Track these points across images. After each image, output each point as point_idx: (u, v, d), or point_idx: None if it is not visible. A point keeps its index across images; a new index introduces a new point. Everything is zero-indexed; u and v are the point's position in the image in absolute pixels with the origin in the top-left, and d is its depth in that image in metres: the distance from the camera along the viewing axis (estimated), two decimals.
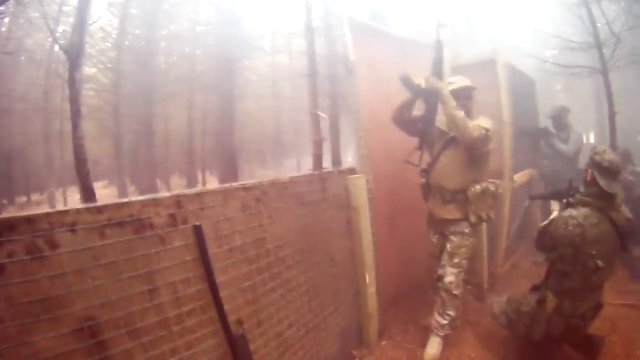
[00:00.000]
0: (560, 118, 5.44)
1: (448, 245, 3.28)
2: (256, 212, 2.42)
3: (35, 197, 16.71)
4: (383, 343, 3.52)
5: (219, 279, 2.15)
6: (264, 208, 2.47)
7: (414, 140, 3.41)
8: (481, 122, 3.03)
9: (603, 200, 2.73)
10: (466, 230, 3.23)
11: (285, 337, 2.64)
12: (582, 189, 2.93)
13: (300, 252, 2.78)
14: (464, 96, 3.20)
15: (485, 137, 3.00)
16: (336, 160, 8.67)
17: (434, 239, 3.51)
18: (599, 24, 5.80)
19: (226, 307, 2.16)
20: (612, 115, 5.56)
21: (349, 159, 15.69)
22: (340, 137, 9.13)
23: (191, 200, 2.05)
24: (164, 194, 1.96)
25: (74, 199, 14.66)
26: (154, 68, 14.95)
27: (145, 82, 14.13)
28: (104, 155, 15.90)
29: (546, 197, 3.34)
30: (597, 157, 2.77)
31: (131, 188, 15.90)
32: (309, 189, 2.87)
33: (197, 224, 2.03)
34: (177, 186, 17.75)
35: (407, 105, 3.28)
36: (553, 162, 5.37)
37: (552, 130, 5.49)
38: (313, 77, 5.79)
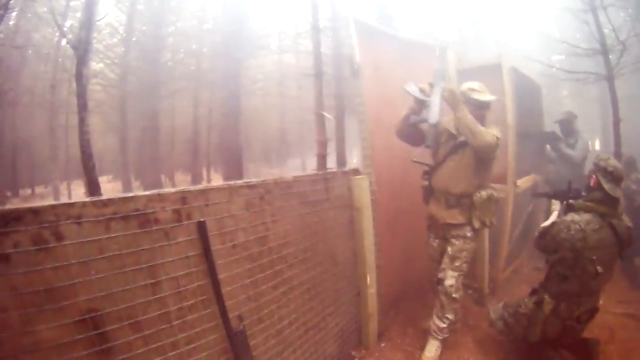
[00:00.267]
0: (568, 123, 5.43)
1: (449, 249, 3.26)
2: (260, 210, 2.43)
3: (39, 189, 16.70)
4: (382, 345, 3.52)
5: (222, 275, 2.16)
6: (268, 206, 2.48)
7: None
8: (493, 130, 3.06)
9: (606, 206, 2.76)
10: (468, 234, 3.22)
11: (285, 335, 2.65)
12: (584, 194, 2.97)
13: (303, 251, 2.79)
14: (486, 107, 3.21)
15: (496, 144, 3.03)
16: (341, 161, 8.64)
17: (435, 243, 3.49)
18: (605, 30, 5.77)
19: (227, 303, 2.18)
20: (617, 122, 5.53)
21: (354, 160, 15.65)
22: (346, 138, 9.10)
23: (196, 196, 2.06)
24: (169, 189, 1.97)
25: (78, 193, 14.70)
26: (160, 64, 14.92)
27: (151, 78, 14.11)
28: (109, 150, 15.99)
29: (549, 196, 3.33)
30: (602, 163, 2.82)
31: (135, 183, 15.87)
32: (313, 189, 2.87)
33: (201, 220, 2.04)
34: (182, 182, 17.75)
35: (416, 110, 3.26)
36: (559, 167, 5.35)
37: (560, 135, 5.47)
38: (319, 77, 5.78)
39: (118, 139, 14.71)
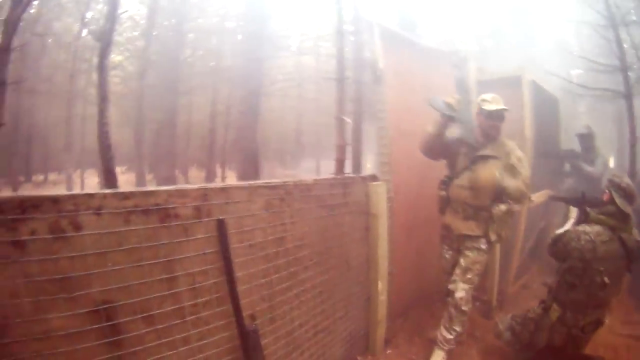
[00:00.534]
0: (589, 138, 5.23)
1: (462, 261, 3.10)
2: (279, 211, 2.31)
3: (52, 176, 16.36)
4: (388, 351, 3.38)
5: (237, 273, 2.05)
6: (287, 208, 2.37)
7: None
8: (521, 182, 2.97)
9: (616, 220, 2.74)
10: (483, 247, 3.06)
11: (295, 336, 2.53)
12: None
13: (318, 254, 2.67)
14: (498, 117, 3.02)
15: (527, 190, 3.02)
16: (357, 166, 8.45)
17: (447, 254, 3.32)
18: (625, 46, 5.54)
19: (241, 301, 2.06)
20: (633, 141, 5.29)
21: (368, 165, 15.34)
22: (361, 143, 8.88)
23: (217, 194, 1.95)
24: (191, 185, 1.86)
25: (91, 182, 14.41)
26: (180, 60, 14.49)
27: (170, 73, 13.70)
28: (124, 141, 15.49)
29: (566, 201, 3.20)
30: (616, 179, 2.82)
31: (149, 176, 15.44)
32: (331, 193, 2.75)
33: (221, 217, 1.93)
34: (195, 178, 17.41)
35: (440, 133, 3.08)
36: (576, 183, 5.13)
37: (578, 151, 5.27)
38: (341, 81, 5.63)
39: (134, 131, 14.25)
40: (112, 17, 5.54)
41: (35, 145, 14.90)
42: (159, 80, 13.40)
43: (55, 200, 1.46)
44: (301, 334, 2.58)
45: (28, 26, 11.19)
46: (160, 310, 1.79)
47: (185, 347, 1.88)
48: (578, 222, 2.94)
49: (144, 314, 1.74)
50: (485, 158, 3.03)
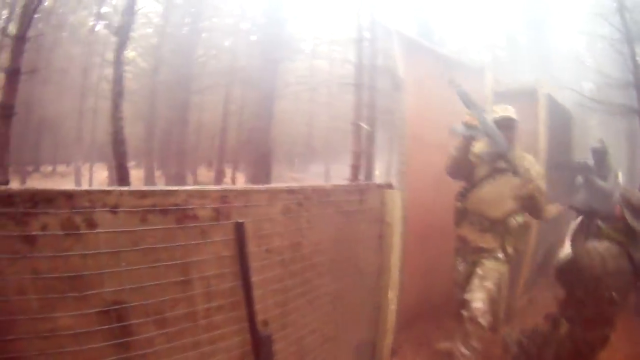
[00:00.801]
0: (603, 153, 5.02)
1: (479, 269, 2.90)
2: (296, 216, 2.15)
3: (61, 168, 15.65)
4: None
5: (253, 278, 1.88)
6: (305, 213, 2.20)
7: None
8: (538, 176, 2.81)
9: (625, 236, 2.62)
10: (499, 255, 2.89)
11: (305, 343, 2.36)
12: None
13: (332, 261, 2.50)
14: (504, 126, 2.84)
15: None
16: (369, 173, 8.18)
17: (461, 266, 3.12)
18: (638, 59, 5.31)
19: (255, 306, 1.89)
20: None
21: (376, 172, 14.89)
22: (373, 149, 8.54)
23: (237, 196, 1.79)
24: (211, 186, 1.71)
25: (100, 176, 13.91)
26: (193, 58, 13.86)
27: (183, 71, 13.11)
28: (134, 137, 14.25)
29: (579, 211, 3.05)
30: (627, 194, 2.72)
31: (158, 173, 14.72)
32: (348, 200, 2.58)
33: (240, 221, 1.77)
34: (204, 178, 16.49)
35: (465, 155, 2.91)
36: (587, 198, 4.91)
37: (591, 165, 5.06)
38: (359, 88, 5.45)
39: (145, 127, 13.63)
40: (130, 11, 5.38)
41: (45, 136, 14.43)
42: (171, 78, 12.91)
43: (69, 195, 1.31)
44: (311, 341, 2.41)
45: (43, 18, 10.92)
46: (173, 313, 1.63)
47: (195, 352, 1.73)
48: (584, 235, 2.94)
49: (156, 317, 1.59)
50: (502, 170, 2.86)
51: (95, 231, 1.36)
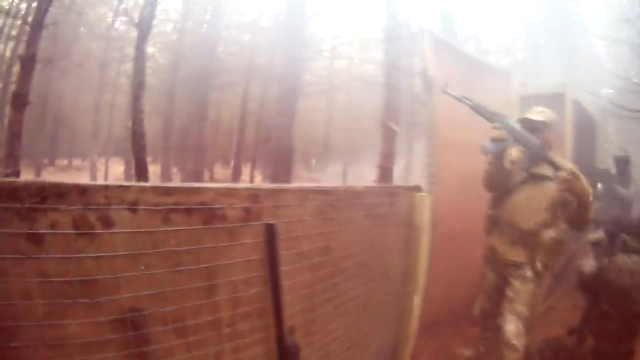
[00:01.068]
0: (626, 162, 4.65)
1: (508, 291, 2.55)
2: (328, 218, 1.88)
3: (76, 162, 14.75)
4: None
5: (282, 284, 1.62)
6: (337, 215, 1.93)
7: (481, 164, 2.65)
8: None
9: None
10: (528, 274, 2.49)
11: (329, 350, 2.09)
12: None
13: (360, 266, 2.23)
14: (531, 128, 2.46)
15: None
16: (388, 175, 7.78)
17: (490, 275, 2.76)
18: None
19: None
20: None
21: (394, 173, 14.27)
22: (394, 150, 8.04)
23: (268, 196, 1.53)
24: (240, 184, 1.44)
25: (115, 171, 13.13)
26: (213, 55, 12.98)
27: (203, 68, 12.30)
28: (152, 132, 13.53)
29: (605, 225, 2.76)
30: None
31: (174, 169, 13.87)
32: (379, 202, 2.31)
33: (272, 222, 1.50)
34: (221, 175, 15.54)
35: (499, 168, 2.49)
36: (608, 206, 4.54)
37: (613, 172, 4.69)
38: (390, 88, 5.10)
39: (163, 123, 12.81)
40: (151, 2, 5.06)
41: (62, 129, 13.70)
42: (190, 74, 12.24)
43: (83, 190, 1.07)
44: (335, 348, 2.14)
45: (62, 13, 10.36)
46: (195, 321, 1.38)
47: None
48: (610, 249, 2.69)
49: (176, 325, 1.34)
50: (539, 178, 2.50)
51: (111, 231, 1.12)
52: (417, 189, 2.74)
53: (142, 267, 1.20)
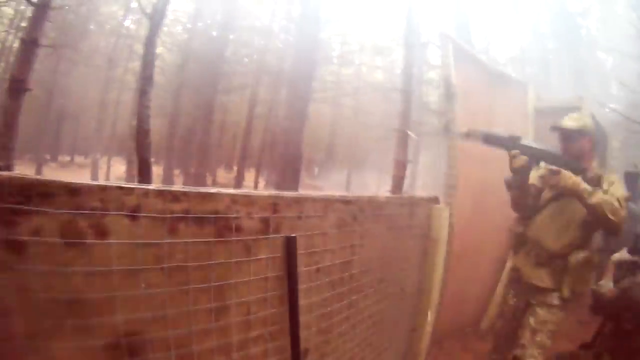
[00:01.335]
0: (637, 178, 4.37)
1: (531, 320, 2.16)
2: (350, 231, 1.62)
3: (79, 159, 14.38)
4: None
5: (300, 302, 1.37)
6: (359, 227, 1.67)
7: (496, 175, 2.33)
8: (618, 192, 1.93)
9: None
10: (555, 302, 2.11)
11: None
12: None
13: (378, 281, 1.97)
14: (562, 136, 2.11)
15: (621, 214, 1.87)
16: (398, 185, 7.44)
17: (512, 300, 2.34)
18: None
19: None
20: None
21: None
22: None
23: (289, 205, 1.28)
24: (259, 192, 1.20)
25: (118, 170, 12.58)
26: (222, 57, 12.41)
27: (211, 69, 11.76)
28: (155, 133, 13.25)
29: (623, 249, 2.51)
30: None
31: (176, 171, 13.38)
32: (400, 214, 2.06)
33: (292, 235, 1.25)
34: (223, 179, 14.98)
35: (525, 184, 2.16)
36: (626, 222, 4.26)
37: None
38: (407, 94, 4.79)
39: (167, 123, 12.24)
40: None
41: (66, 125, 13.24)
42: (198, 76, 11.69)
43: (75, 190, 0.82)
44: None
45: (73, 9, 10.15)
46: (202, 347, 1.13)
47: None
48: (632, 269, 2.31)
49: (181, 351, 1.09)
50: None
51: (106, 241, 0.87)
52: (436, 200, 2.49)
53: (143, 286, 0.95)
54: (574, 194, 1.91)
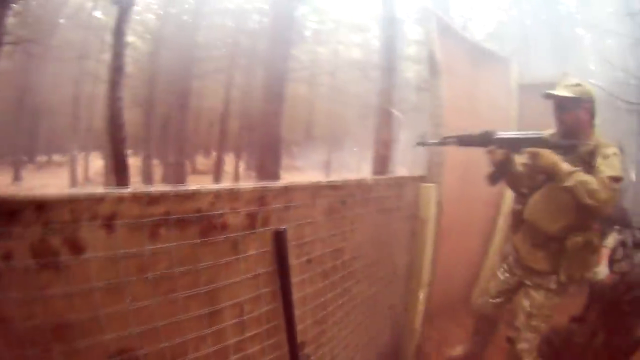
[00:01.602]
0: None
1: (527, 303, 2.10)
2: (340, 217, 1.60)
3: (56, 157, 13.83)
4: None
5: (293, 296, 1.35)
6: (349, 213, 1.65)
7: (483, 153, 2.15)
8: (607, 169, 1.78)
9: None
10: (552, 286, 2.02)
11: (339, 358, 1.84)
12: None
13: (370, 266, 1.98)
14: (555, 104, 1.97)
15: (616, 196, 1.76)
16: (382, 164, 7.37)
17: (503, 275, 2.29)
18: None
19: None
20: None
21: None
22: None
23: (276, 196, 1.24)
24: (243, 184, 1.15)
25: (96, 165, 12.24)
26: (196, 42, 12.12)
27: (184, 55, 11.49)
28: (131, 124, 12.33)
29: (614, 223, 2.64)
30: None
31: (155, 161, 13.00)
32: (388, 195, 2.05)
33: (281, 228, 1.22)
34: (203, 166, 14.82)
35: (513, 174, 2.11)
36: None
37: None
38: (389, 71, 4.71)
39: (143, 113, 11.87)
40: None
41: (40, 124, 12.77)
42: (172, 62, 11.38)
43: (41, 205, 0.76)
44: (344, 356, 1.89)
45: (42, 3, 9.81)
46: (198, 354, 1.10)
47: None
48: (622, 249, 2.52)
49: None
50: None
51: (82, 257, 0.82)
52: (423, 179, 2.50)
53: (128, 299, 0.91)
54: (554, 176, 1.83)
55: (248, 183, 1.13)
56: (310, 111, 17.08)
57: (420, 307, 2.58)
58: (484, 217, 3.37)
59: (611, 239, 2.52)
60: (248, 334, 1.24)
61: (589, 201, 1.71)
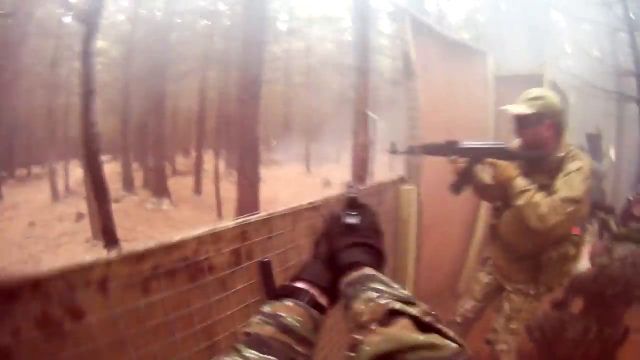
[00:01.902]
0: (597, 140, 4.77)
1: (507, 306, 2.11)
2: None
3: (36, 169, 13.70)
4: None
5: None
6: None
7: None
8: (564, 189, 1.73)
9: None
10: (531, 292, 2.05)
11: None
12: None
13: None
14: (516, 120, 1.94)
15: (569, 218, 1.71)
16: (364, 166, 7.37)
17: (486, 278, 2.26)
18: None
19: None
20: None
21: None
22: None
23: (257, 228, 1.34)
24: (223, 224, 1.24)
25: (75, 174, 12.13)
26: (168, 44, 12.18)
27: (158, 58, 11.51)
28: (109, 130, 12.51)
29: (598, 208, 2.80)
30: None
31: (135, 165, 13.12)
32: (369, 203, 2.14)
33: (265, 259, 1.31)
34: (183, 166, 14.90)
35: (478, 182, 2.13)
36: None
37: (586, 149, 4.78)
38: (364, 72, 4.74)
39: (119, 119, 12.08)
40: None
41: (17, 138, 12.65)
42: (145, 66, 11.45)
43: (36, 284, 0.84)
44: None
45: (8, 14, 9.66)
46: None
47: None
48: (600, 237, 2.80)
49: None
50: (542, 187, 1.81)
51: (84, 320, 0.90)
52: (402, 180, 2.61)
53: (132, 350, 1.00)
54: (509, 191, 1.82)
55: (228, 222, 1.22)
56: (287, 103, 17.17)
57: None
58: (465, 208, 3.50)
59: (590, 234, 2.68)
60: None
61: (536, 224, 1.71)
